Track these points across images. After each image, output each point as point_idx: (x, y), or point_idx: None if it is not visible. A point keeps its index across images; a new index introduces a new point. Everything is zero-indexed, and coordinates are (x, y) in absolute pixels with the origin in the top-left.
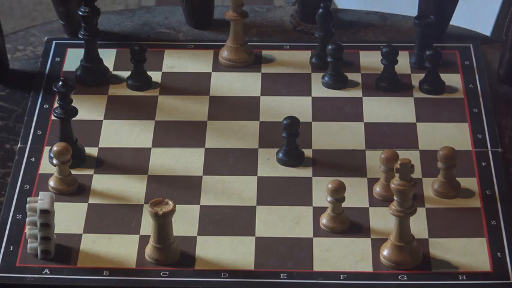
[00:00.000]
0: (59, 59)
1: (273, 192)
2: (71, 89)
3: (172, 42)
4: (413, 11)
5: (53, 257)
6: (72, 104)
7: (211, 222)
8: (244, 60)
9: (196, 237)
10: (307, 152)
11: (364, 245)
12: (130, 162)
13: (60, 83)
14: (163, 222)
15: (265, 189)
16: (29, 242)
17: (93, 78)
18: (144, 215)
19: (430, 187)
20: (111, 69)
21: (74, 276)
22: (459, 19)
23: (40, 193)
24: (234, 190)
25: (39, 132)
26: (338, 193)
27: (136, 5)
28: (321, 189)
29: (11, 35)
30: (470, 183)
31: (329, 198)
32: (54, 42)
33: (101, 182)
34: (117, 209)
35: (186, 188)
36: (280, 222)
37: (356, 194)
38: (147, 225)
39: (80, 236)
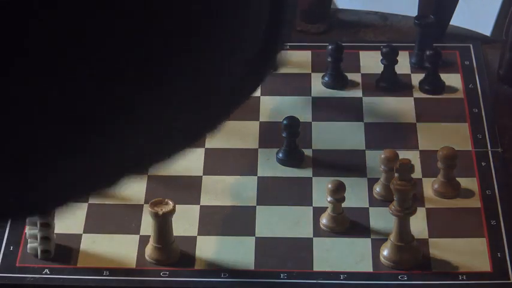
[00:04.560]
0: None
1: (273, 192)
2: None
3: None
4: (413, 11)
5: (53, 257)
6: None
7: (211, 222)
8: None
9: (196, 237)
10: (307, 152)
11: (364, 245)
12: None
13: None
14: (163, 222)
15: (265, 189)
16: (29, 242)
17: None
18: (144, 215)
19: (430, 187)
20: None
21: (74, 276)
22: (459, 19)
23: None
24: (234, 190)
25: None
26: (338, 193)
27: None
28: (321, 189)
29: None
30: (470, 183)
31: (329, 198)
32: None
33: None
34: (117, 209)
35: (186, 188)
36: (280, 222)
37: (356, 194)
38: (147, 225)
39: (80, 236)
